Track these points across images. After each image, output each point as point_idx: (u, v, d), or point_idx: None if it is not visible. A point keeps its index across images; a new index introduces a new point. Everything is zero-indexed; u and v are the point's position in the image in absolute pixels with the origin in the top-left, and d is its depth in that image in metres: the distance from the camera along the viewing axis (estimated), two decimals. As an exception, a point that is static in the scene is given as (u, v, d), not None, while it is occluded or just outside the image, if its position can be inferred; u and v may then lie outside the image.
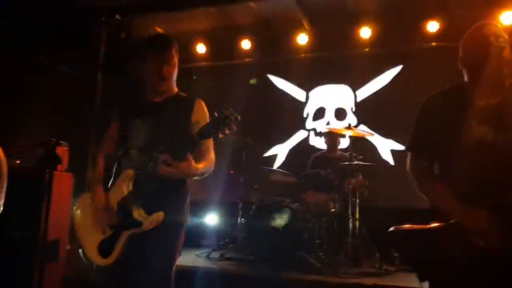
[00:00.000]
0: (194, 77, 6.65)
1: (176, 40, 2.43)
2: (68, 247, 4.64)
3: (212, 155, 2.36)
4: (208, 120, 2.16)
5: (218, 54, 6.99)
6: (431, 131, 2.04)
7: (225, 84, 6.62)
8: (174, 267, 2.32)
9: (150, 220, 2.17)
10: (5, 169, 2.92)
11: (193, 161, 2.14)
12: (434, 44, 6.00)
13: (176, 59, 2.41)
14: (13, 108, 4.97)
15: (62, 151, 4.45)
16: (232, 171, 5.60)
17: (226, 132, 2.05)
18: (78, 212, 2.43)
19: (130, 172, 2.24)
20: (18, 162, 4.57)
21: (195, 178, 2.30)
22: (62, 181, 4.59)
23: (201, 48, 6.92)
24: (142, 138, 2.32)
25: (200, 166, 2.23)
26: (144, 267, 2.24)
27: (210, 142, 2.37)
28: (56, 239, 4.37)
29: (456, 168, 1.97)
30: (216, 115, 2.06)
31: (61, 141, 4.62)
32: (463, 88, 2.07)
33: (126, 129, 2.37)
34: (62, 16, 5.74)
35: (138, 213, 2.18)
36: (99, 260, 2.24)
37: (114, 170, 2.36)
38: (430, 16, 5.98)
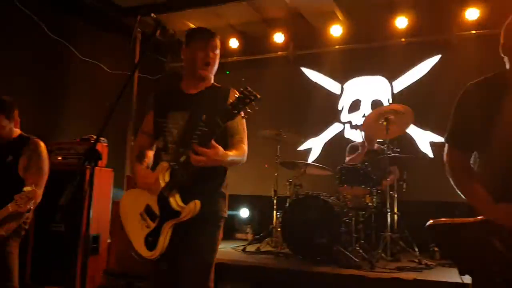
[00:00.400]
0: (227, 72, 6.69)
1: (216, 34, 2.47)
2: (108, 240, 4.77)
3: (244, 146, 2.36)
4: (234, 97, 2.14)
5: (250, 48, 6.98)
6: (470, 121, 1.96)
7: (258, 78, 6.62)
8: (215, 258, 2.33)
9: (187, 209, 2.18)
10: (46, 167, 3.02)
11: (220, 148, 2.14)
12: (473, 32, 5.79)
13: (218, 50, 2.44)
14: (53, 106, 5.12)
15: (102, 147, 4.57)
16: (266, 165, 5.61)
17: (247, 110, 2.06)
18: (125, 206, 2.46)
19: (165, 164, 2.26)
20: (59, 158, 4.74)
21: (228, 166, 2.33)
22: (102, 176, 4.72)
23: (233, 43, 6.93)
24: (179, 131, 2.34)
25: (230, 153, 2.24)
26: (187, 258, 2.27)
27: (243, 134, 2.38)
28: (97, 233, 4.50)
29: (496, 160, 1.92)
30: (236, 96, 2.07)
31: (101, 138, 4.74)
32: (504, 76, 1.97)
33: (163, 122, 2.38)
34: (96, 12, 5.88)
35: (175, 203, 2.20)
36: (146, 253, 2.28)
37: (153, 164, 2.39)
38: (469, 3, 5.77)
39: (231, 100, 2.11)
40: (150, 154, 2.50)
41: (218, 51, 2.44)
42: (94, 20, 5.98)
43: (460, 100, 2.01)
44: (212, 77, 2.50)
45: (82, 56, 5.69)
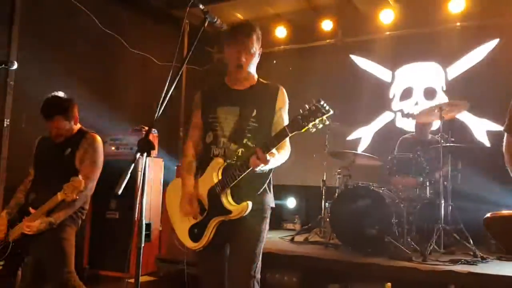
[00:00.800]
0: (274, 61, 6.67)
1: (257, 28, 2.40)
2: (159, 228, 4.91)
3: (288, 143, 2.34)
4: (305, 108, 2.08)
5: (298, 37, 6.90)
6: None
7: (306, 67, 6.54)
8: (261, 249, 2.35)
9: (239, 209, 2.20)
10: (100, 161, 3.15)
11: (276, 154, 2.17)
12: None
13: (256, 47, 2.37)
14: (105, 98, 5.27)
15: (153, 137, 4.69)
16: (314, 155, 5.55)
17: (318, 125, 2.04)
18: (170, 196, 2.53)
19: (220, 160, 2.28)
20: (113, 149, 4.91)
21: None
22: (154, 166, 4.86)
23: (281, 32, 6.88)
24: (229, 126, 2.34)
25: (281, 157, 2.27)
26: (234, 247, 2.31)
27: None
28: (149, 221, 4.64)
29: None
30: (307, 107, 2.03)
31: (152, 128, 4.86)
32: None
33: (212, 117, 2.39)
34: (145, 3, 5.99)
35: (227, 202, 2.22)
36: (189, 244, 2.33)
37: (203, 158, 2.41)
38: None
39: (285, 104, 2.20)
40: (195, 152, 2.49)
41: (255, 48, 2.36)
42: (143, 12, 6.10)
43: None
44: (254, 74, 2.46)
45: (131, 49, 5.82)
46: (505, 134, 2.01)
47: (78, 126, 3.22)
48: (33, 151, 3.27)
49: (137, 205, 4.58)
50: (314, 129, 2.06)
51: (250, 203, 2.20)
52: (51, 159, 3.13)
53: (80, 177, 2.85)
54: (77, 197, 2.84)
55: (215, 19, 2.28)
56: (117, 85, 5.78)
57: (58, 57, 4.88)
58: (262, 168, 2.15)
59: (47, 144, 3.22)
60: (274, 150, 2.15)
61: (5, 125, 4.48)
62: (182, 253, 4.26)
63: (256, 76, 2.48)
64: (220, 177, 2.25)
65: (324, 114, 2.01)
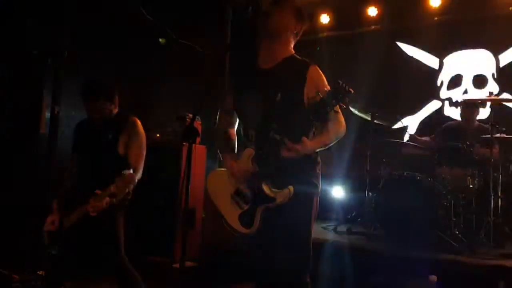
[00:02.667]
0: (318, 48, 6.57)
1: (297, 5, 2.30)
2: (203, 215, 4.97)
3: (336, 127, 2.21)
4: (324, 91, 1.99)
5: (342, 24, 6.77)
6: None
7: (350, 55, 6.40)
8: (312, 234, 2.33)
9: (282, 195, 2.17)
10: (144, 145, 3.15)
11: (308, 142, 2.09)
12: None
13: (291, 20, 2.29)
14: (150, 85, 5.34)
15: (196, 124, 4.74)
16: (358, 145, 5.44)
17: (342, 106, 1.99)
18: (212, 185, 2.51)
19: (250, 151, 2.25)
20: (158, 135, 4.99)
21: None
22: (197, 153, 4.90)
23: (324, 18, 6.78)
24: (255, 114, 2.28)
25: (317, 145, 2.19)
26: (284, 236, 2.26)
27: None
28: (193, 207, 4.71)
29: None
30: (326, 91, 1.96)
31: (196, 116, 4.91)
32: None
33: (240, 102, 2.36)
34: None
35: (268, 189, 2.20)
36: (243, 230, 2.30)
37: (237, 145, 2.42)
38: None
39: (321, 93, 1.95)
40: (233, 133, 2.50)
41: (288, 20, 2.27)
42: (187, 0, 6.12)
43: None
44: (287, 48, 2.34)
45: (175, 36, 5.86)
46: None
47: (117, 110, 3.17)
48: (74, 137, 3.26)
49: (182, 192, 4.65)
50: (336, 112, 2.01)
51: (292, 188, 2.15)
52: (93, 144, 3.10)
53: (131, 170, 2.84)
54: (129, 191, 2.87)
55: (260, 5, 2.21)
56: (161, 72, 5.84)
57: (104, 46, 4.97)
58: (295, 157, 2.08)
59: (87, 128, 3.19)
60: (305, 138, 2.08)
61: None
62: (225, 241, 4.35)
63: (290, 52, 2.35)
64: (253, 167, 2.21)
65: (344, 95, 1.93)
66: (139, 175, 3.05)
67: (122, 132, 3.06)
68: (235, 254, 3.20)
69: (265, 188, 2.20)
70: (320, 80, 2.22)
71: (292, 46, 2.38)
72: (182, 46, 5.97)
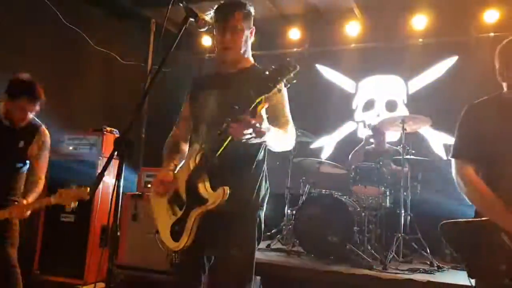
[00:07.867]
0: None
1: (245, 5, 2.20)
2: (118, 233, 4.71)
3: (291, 128, 2.11)
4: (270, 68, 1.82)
5: (265, 44, 6.88)
6: (476, 139, 2.02)
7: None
8: (253, 256, 2.16)
9: (215, 195, 1.93)
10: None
11: (265, 119, 1.84)
12: (492, 34, 5.68)
13: (243, 25, 2.16)
14: (65, 94, 5.04)
15: (114, 138, 4.54)
16: (278, 162, 5.53)
17: (286, 84, 1.78)
18: (153, 197, 2.25)
19: (196, 146, 2.09)
20: (71, 148, 4.71)
21: (274, 145, 2.06)
22: (114, 168, 4.67)
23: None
24: (209, 111, 2.15)
25: (275, 130, 1.95)
26: (219, 261, 2.12)
27: (288, 117, 2.16)
28: (106, 225, 4.46)
29: (501, 176, 1.97)
30: (272, 67, 1.78)
31: (113, 129, 4.72)
32: (501, 97, 2.09)
33: (195, 105, 2.24)
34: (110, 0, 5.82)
35: (203, 189, 1.98)
36: (171, 244, 2.06)
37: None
38: (489, 4, 5.66)
39: (266, 72, 1.78)
40: (183, 149, 2.31)
41: (242, 27, 2.15)
42: (108, 8, 5.91)
43: (463, 118, 2.10)
44: (248, 57, 2.26)
45: (95, 45, 5.62)
46: (453, 160, 2.07)
47: (30, 117, 3.04)
48: None
49: (93, 209, 4.41)
50: (279, 89, 1.77)
51: (227, 188, 1.91)
52: (2, 145, 2.96)
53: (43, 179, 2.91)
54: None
55: (199, 16, 2.04)
56: (78, 81, 5.54)
57: (16, 50, 4.64)
58: (250, 136, 1.81)
59: None
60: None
61: None
62: (140, 260, 4.16)
63: (252, 60, 2.28)
64: (197, 163, 2.02)
65: (290, 71, 1.75)
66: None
67: (33, 142, 3.02)
68: (153, 273, 3.06)
69: (201, 187, 1.98)
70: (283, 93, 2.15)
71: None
72: (102, 54, 5.73)
